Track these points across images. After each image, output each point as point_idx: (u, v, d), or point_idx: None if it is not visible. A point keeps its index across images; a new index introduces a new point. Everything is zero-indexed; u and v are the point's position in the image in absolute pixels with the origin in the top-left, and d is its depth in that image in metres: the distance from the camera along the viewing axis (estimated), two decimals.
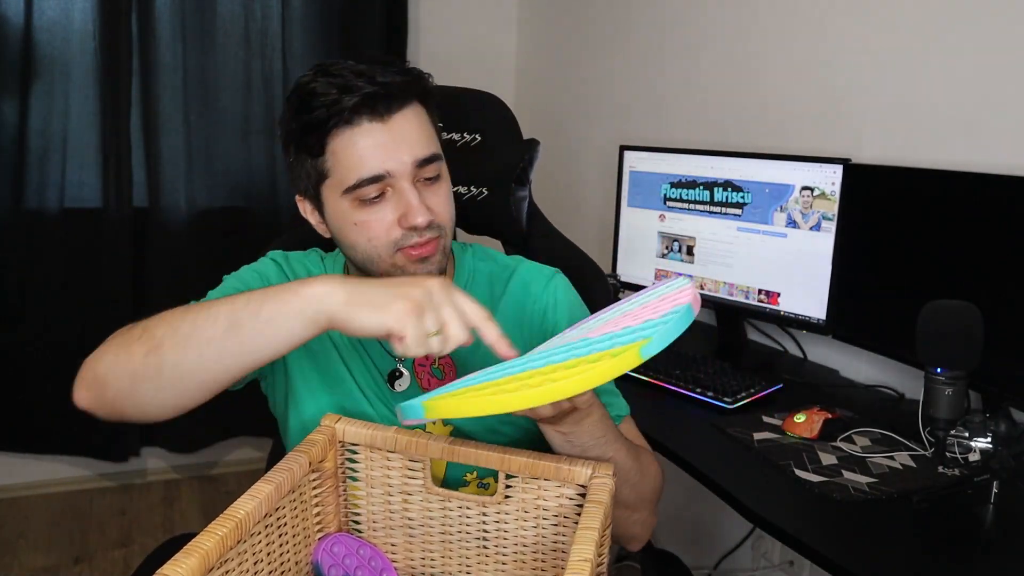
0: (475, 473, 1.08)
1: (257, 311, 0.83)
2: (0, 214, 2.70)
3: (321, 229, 1.10)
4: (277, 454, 1.44)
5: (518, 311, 1.15)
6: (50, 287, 2.77)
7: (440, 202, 1.04)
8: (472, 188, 1.45)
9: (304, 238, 1.32)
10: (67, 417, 2.85)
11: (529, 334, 1.13)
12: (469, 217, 1.47)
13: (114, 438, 2.90)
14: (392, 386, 1.10)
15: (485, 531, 0.94)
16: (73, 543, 2.66)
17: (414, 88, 1.02)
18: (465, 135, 1.46)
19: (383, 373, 1.11)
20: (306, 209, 1.09)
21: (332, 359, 1.12)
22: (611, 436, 0.94)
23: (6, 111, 2.65)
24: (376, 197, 1.00)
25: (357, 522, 0.99)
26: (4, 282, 2.74)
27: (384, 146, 0.98)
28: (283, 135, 1.05)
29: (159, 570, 0.66)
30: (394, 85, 0.98)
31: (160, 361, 0.88)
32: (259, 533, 0.80)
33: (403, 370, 1.11)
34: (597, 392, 0.98)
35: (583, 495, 0.87)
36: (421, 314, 0.80)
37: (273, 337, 0.84)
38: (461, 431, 1.09)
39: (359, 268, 1.08)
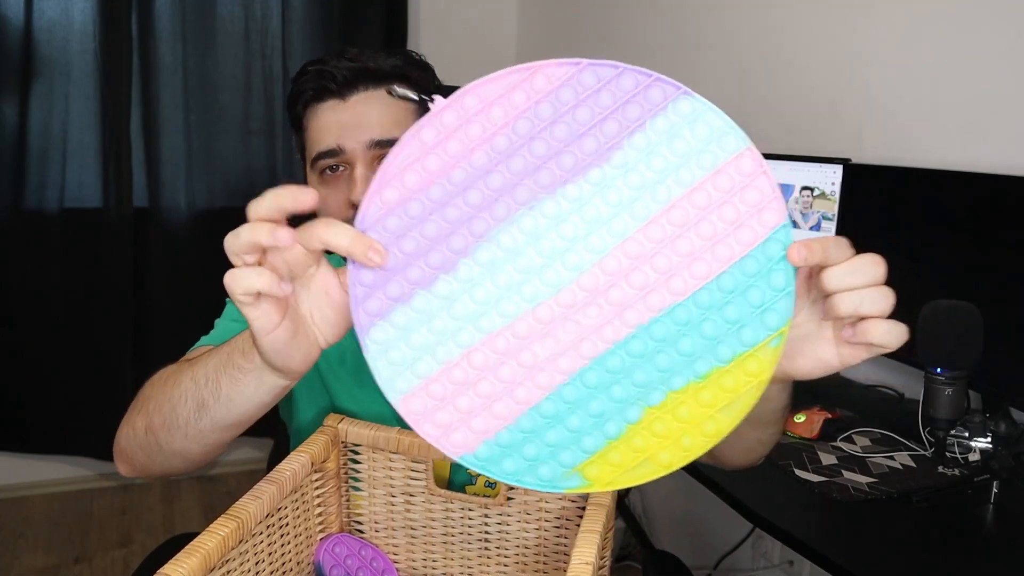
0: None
1: (216, 391, 0.77)
2: (0, 214, 2.70)
3: None
4: (277, 454, 1.44)
5: None
6: (50, 287, 2.77)
7: None
8: None
9: None
10: (67, 417, 2.86)
11: None
12: None
13: (114, 438, 2.89)
14: None
15: (487, 533, 0.94)
16: (73, 543, 2.67)
17: (390, 73, 1.03)
18: None
19: None
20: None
21: (344, 384, 1.12)
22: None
23: (6, 111, 2.65)
24: (335, 171, 1.03)
25: (359, 523, 0.99)
26: (4, 282, 2.74)
27: (341, 123, 1.01)
28: None
29: (160, 570, 0.66)
30: (367, 68, 1.02)
31: (156, 440, 0.87)
32: (261, 533, 0.81)
33: None
34: None
35: (585, 497, 0.87)
36: None
37: (242, 412, 0.78)
38: None
39: None
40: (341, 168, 1.03)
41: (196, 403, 0.80)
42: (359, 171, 1.01)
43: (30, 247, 2.74)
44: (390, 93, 0.99)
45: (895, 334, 0.64)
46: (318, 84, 1.02)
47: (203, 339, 1.13)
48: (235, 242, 0.66)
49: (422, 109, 0.95)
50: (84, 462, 2.97)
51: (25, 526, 2.75)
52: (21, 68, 2.64)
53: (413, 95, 0.85)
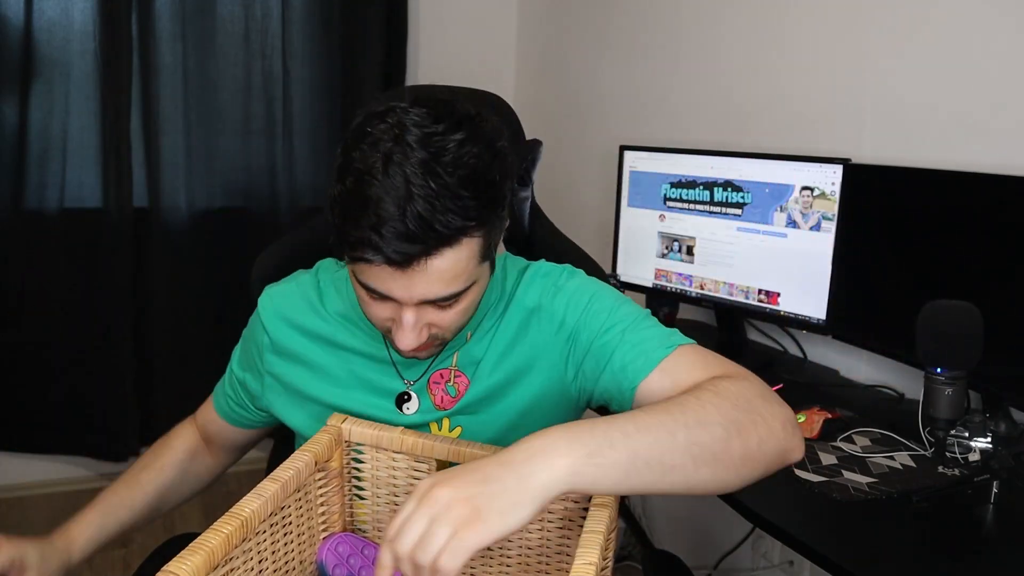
0: None
1: None
2: (0, 214, 2.70)
3: None
4: (278, 454, 1.44)
5: (527, 318, 1.08)
6: (50, 287, 2.77)
7: (447, 319, 0.95)
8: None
9: (291, 254, 1.32)
10: (67, 417, 2.86)
11: (554, 347, 1.06)
12: None
13: (114, 438, 2.90)
14: (400, 409, 1.07)
15: None
16: None
17: (464, 230, 0.87)
18: None
19: (391, 395, 1.08)
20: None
21: (329, 394, 1.11)
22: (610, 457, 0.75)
23: (6, 111, 2.65)
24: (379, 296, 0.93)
25: (362, 522, 0.99)
26: (4, 282, 2.74)
27: (396, 283, 0.88)
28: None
29: (165, 567, 0.66)
30: (433, 233, 0.84)
31: None
32: (264, 532, 0.81)
33: (412, 393, 1.08)
34: (613, 350, 0.97)
35: (588, 499, 0.88)
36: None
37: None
38: (471, 437, 1.08)
39: None
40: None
41: None
42: (407, 320, 0.91)
43: (30, 247, 2.74)
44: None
45: None
46: (368, 253, 0.86)
47: (216, 388, 1.29)
48: None
49: (494, 234, 0.98)
50: (84, 462, 2.97)
51: (25, 526, 2.74)
52: (21, 68, 2.64)
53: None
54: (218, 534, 0.71)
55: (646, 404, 0.88)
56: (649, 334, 0.98)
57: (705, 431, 0.80)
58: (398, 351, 0.98)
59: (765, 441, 0.86)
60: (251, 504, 0.76)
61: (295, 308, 1.12)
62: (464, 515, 0.69)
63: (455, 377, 1.07)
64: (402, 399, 1.07)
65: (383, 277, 0.87)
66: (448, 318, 0.94)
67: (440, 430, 1.07)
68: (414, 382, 1.07)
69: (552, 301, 1.06)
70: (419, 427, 1.06)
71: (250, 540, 0.78)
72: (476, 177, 0.85)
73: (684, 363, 0.95)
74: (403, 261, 0.84)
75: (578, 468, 0.73)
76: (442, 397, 1.07)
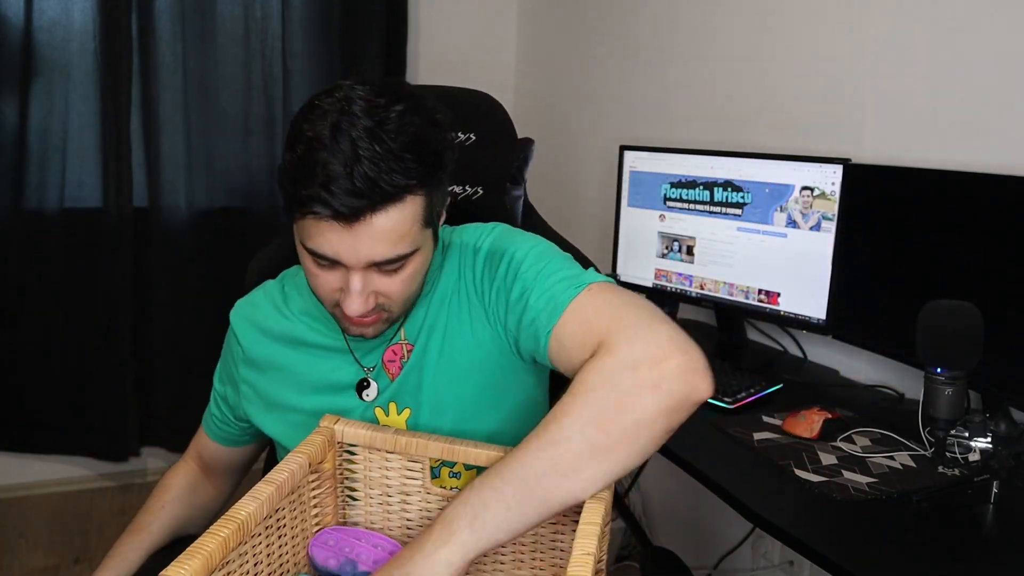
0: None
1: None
2: (0, 214, 2.70)
3: None
4: (272, 457, 1.44)
5: (457, 281, 1.11)
6: (50, 287, 2.77)
7: (393, 286, 0.98)
8: (467, 187, 1.45)
9: (290, 254, 1.32)
10: (67, 417, 2.86)
11: (476, 304, 1.08)
12: (464, 217, 1.47)
13: (114, 438, 2.90)
14: (361, 396, 1.09)
15: None
16: (73, 543, 2.67)
17: (407, 188, 0.92)
18: (459, 135, 1.46)
19: (351, 385, 1.10)
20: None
21: (295, 399, 1.13)
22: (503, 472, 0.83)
23: (6, 111, 2.65)
24: (327, 264, 0.96)
25: (355, 523, 0.99)
26: (4, 282, 2.74)
27: (343, 243, 0.93)
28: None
29: (163, 572, 0.66)
30: (380, 188, 0.90)
31: None
32: (259, 534, 0.81)
33: (370, 379, 1.10)
34: (531, 292, 0.99)
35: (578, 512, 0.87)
36: None
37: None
38: (423, 424, 1.08)
39: None
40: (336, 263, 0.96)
41: None
42: (355, 284, 0.95)
43: (30, 247, 2.74)
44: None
45: None
46: (317, 207, 0.90)
47: (204, 416, 1.31)
48: None
49: (436, 200, 0.97)
50: (84, 462, 2.97)
51: (25, 526, 2.75)
52: (21, 68, 2.64)
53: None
54: (215, 537, 0.71)
55: (564, 349, 0.93)
56: (557, 277, 0.99)
57: (560, 448, 0.83)
58: (346, 325, 1.01)
59: (641, 412, 0.84)
60: (247, 507, 0.76)
61: (263, 314, 1.18)
62: None
63: (406, 350, 1.09)
64: (362, 386, 1.10)
65: (331, 238, 0.92)
66: (394, 286, 0.98)
67: (387, 416, 1.08)
68: (372, 368, 1.10)
69: (473, 261, 1.09)
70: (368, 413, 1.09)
71: (246, 543, 0.78)
72: (418, 143, 0.92)
73: (592, 304, 0.95)
74: (350, 214, 0.89)
75: (465, 539, 0.81)
76: (395, 373, 1.10)
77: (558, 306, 0.95)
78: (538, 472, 0.82)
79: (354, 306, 0.95)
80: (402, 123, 0.91)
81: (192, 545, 0.70)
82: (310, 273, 0.99)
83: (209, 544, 0.70)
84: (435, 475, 1.06)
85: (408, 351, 1.10)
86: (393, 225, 0.93)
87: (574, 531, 0.86)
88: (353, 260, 0.93)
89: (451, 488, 1.02)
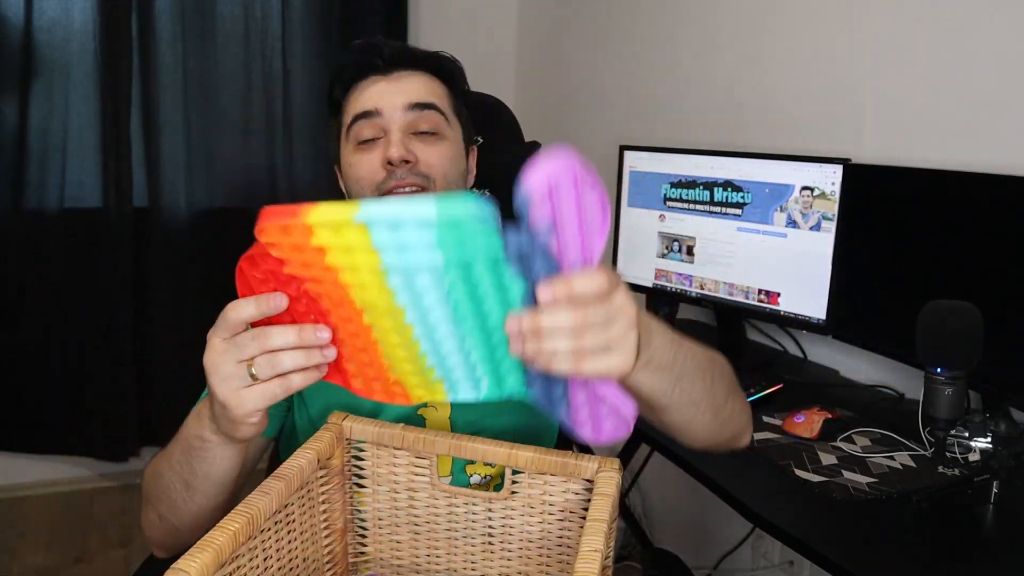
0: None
1: (192, 471, 0.88)
2: (0, 214, 2.70)
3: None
4: (276, 454, 1.44)
5: None
6: (50, 287, 2.77)
7: (431, 152, 1.07)
8: (472, 190, 1.46)
9: None
10: (67, 417, 2.86)
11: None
12: None
13: (114, 438, 2.90)
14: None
15: (491, 527, 0.94)
16: (73, 543, 2.67)
17: (430, 62, 1.11)
18: None
19: None
20: (338, 178, 1.16)
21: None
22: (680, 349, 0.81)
23: (6, 111, 2.65)
24: (370, 140, 1.06)
25: (362, 519, 1.00)
26: (4, 282, 2.74)
27: (380, 90, 1.07)
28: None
29: (173, 564, 0.66)
30: (408, 52, 1.09)
31: (171, 523, 0.96)
32: (269, 529, 0.81)
33: None
34: None
35: (589, 490, 0.88)
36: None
37: (220, 478, 0.90)
38: (462, 419, 1.09)
39: None
40: (377, 139, 1.06)
41: (183, 485, 0.90)
42: (395, 134, 1.05)
43: (30, 247, 2.74)
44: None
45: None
46: (364, 59, 1.08)
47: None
48: (249, 348, 0.76)
49: (459, 103, 1.14)
50: (84, 462, 2.97)
51: (25, 526, 2.75)
52: (21, 68, 2.64)
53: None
54: (225, 531, 0.71)
55: None
56: None
57: (720, 387, 0.89)
58: (391, 160, 1.04)
59: (736, 416, 0.95)
60: (257, 501, 0.76)
61: None
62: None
63: None
64: None
65: (372, 92, 1.07)
66: (432, 155, 1.06)
67: (437, 411, 1.09)
68: None
69: None
70: (414, 416, 1.09)
71: (256, 537, 0.78)
72: (436, 54, 1.13)
73: None
74: (389, 60, 1.07)
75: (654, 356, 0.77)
76: None
77: None
78: (705, 388, 0.86)
79: (394, 149, 1.03)
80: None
81: (202, 539, 0.70)
82: (354, 163, 1.07)
83: (219, 538, 0.70)
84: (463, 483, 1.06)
85: None
86: (425, 82, 1.09)
87: (581, 527, 0.86)
88: (390, 103, 1.05)
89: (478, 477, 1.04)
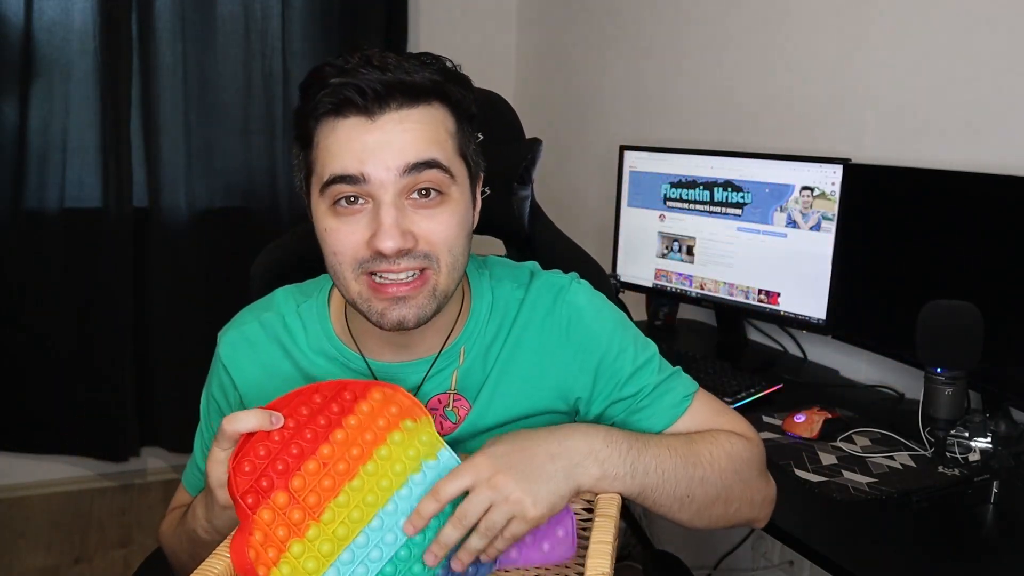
0: None
1: (198, 560, 0.80)
2: (0, 214, 2.70)
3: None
4: None
5: (539, 336, 1.01)
6: (50, 287, 2.77)
7: (433, 226, 0.86)
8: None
9: (291, 254, 1.31)
10: (67, 417, 2.86)
11: (561, 352, 1.01)
12: None
13: (114, 438, 2.90)
14: None
15: None
16: (73, 543, 2.67)
17: (431, 90, 0.86)
18: None
19: None
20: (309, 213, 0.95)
21: None
22: (637, 457, 0.89)
23: (6, 111, 2.65)
24: (352, 202, 0.85)
25: None
26: (4, 282, 2.74)
27: (366, 145, 0.83)
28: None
29: None
30: (403, 82, 0.83)
31: None
32: None
33: None
34: (643, 386, 0.99)
35: (589, 510, 0.87)
36: None
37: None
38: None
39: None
40: (361, 201, 0.85)
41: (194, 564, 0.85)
42: (387, 213, 0.83)
43: (30, 247, 2.74)
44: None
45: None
46: (339, 97, 0.83)
47: (184, 473, 1.14)
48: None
49: (467, 135, 0.91)
50: (84, 462, 2.97)
51: (25, 526, 2.75)
52: (21, 68, 2.64)
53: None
54: (222, 559, 0.73)
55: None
56: (668, 386, 1.01)
57: (702, 489, 0.92)
58: (380, 307, 0.87)
59: (741, 510, 0.98)
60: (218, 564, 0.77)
61: (264, 354, 1.01)
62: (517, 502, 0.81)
63: (454, 401, 0.99)
64: None
65: (355, 143, 0.83)
66: (433, 227, 0.86)
67: None
68: None
69: (568, 327, 1.01)
70: None
71: None
72: (432, 55, 0.89)
73: (702, 413, 1.01)
74: (375, 97, 0.82)
75: (606, 472, 0.86)
76: (441, 423, 0.97)
77: (672, 415, 1.00)
78: (677, 491, 0.91)
79: (388, 240, 0.83)
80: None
81: (199, 568, 0.71)
82: (330, 230, 0.86)
83: (217, 566, 0.72)
84: None
85: (460, 409, 0.99)
86: (423, 127, 0.85)
87: (583, 547, 0.86)
88: (380, 166, 0.83)
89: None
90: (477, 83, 1.37)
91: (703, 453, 0.93)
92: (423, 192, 0.86)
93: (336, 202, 0.86)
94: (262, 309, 1.04)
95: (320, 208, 0.88)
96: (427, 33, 3.11)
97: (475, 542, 0.81)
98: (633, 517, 2.42)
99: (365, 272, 0.87)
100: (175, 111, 2.81)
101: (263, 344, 1.01)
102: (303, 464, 0.81)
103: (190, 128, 2.84)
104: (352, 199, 0.85)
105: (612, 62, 2.70)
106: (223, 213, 2.92)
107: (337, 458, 0.83)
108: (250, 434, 0.81)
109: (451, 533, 0.80)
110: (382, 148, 0.83)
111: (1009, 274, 1.39)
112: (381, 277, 0.86)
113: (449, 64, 0.90)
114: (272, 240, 1.41)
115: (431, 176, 0.85)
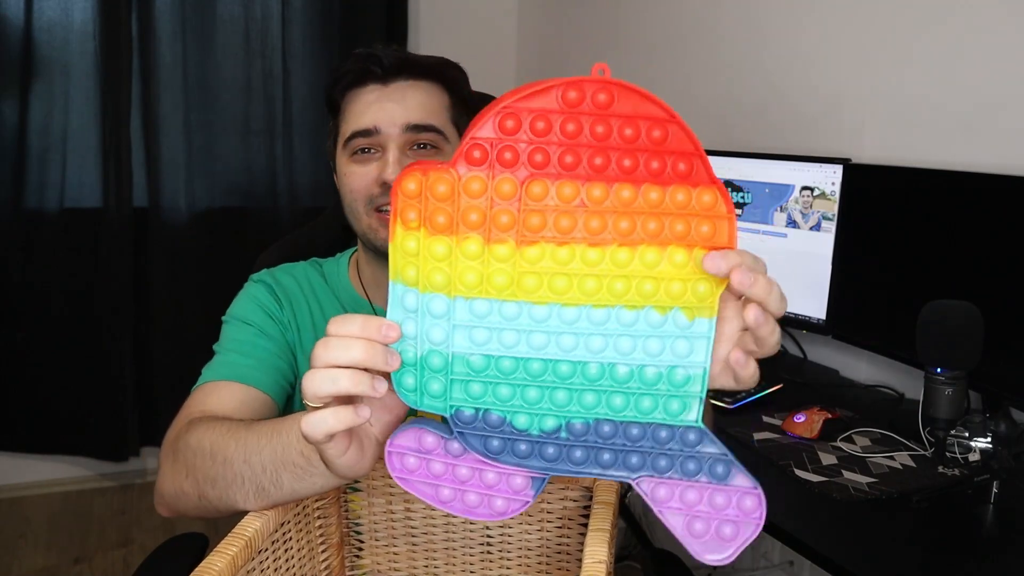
0: None
1: (278, 484, 0.78)
2: (0, 214, 2.70)
3: None
4: None
5: None
6: (50, 287, 2.78)
7: None
8: None
9: (291, 254, 1.31)
10: (67, 417, 2.86)
11: None
12: None
13: (114, 438, 2.90)
14: None
15: (489, 536, 0.94)
16: (73, 543, 2.67)
17: (431, 70, 1.10)
18: None
19: None
20: (334, 175, 1.17)
21: None
22: None
23: (6, 111, 2.65)
24: (367, 152, 1.08)
25: (359, 531, 0.99)
26: (4, 282, 2.74)
27: (379, 104, 1.07)
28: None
29: None
30: (411, 59, 1.09)
31: (213, 505, 0.86)
32: (267, 550, 0.80)
33: None
34: None
35: (588, 497, 0.88)
36: None
37: (306, 495, 0.80)
38: None
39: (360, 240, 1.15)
40: (373, 151, 1.08)
41: (255, 488, 0.80)
42: (392, 154, 1.06)
43: (30, 247, 2.74)
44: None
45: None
46: (362, 67, 1.08)
47: (206, 373, 1.11)
48: (328, 386, 0.63)
49: (460, 110, 1.13)
50: (84, 462, 2.97)
51: (25, 526, 2.75)
52: (21, 68, 2.64)
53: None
54: (224, 556, 0.71)
55: None
56: None
57: None
58: (381, 227, 1.06)
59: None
60: (254, 523, 0.76)
61: (306, 286, 1.17)
62: None
63: None
64: None
65: (371, 104, 1.07)
66: None
67: None
68: None
69: None
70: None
71: (254, 559, 0.77)
72: (438, 62, 1.12)
73: None
74: (389, 68, 1.07)
75: None
76: None
77: None
78: None
79: (390, 172, 1.04)
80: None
81: (201, 565, 0.71)
82: (348, 174, 1.09)
83: (218, 563, 0.71)
84: None
85: None
86: (425, 97, 1.08)
87: (579, 534, 0.86)
88: (389, 121, 1.06)
89: None
90: (477, 84, 1.38)
91: None
92: (421, 146, 1.08)
93: (354, 153, 1.09)
94: (300, 263, 1.22)
95: (342, 160, 1.11)
96: (427, 33, 3.10)
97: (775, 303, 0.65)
98: (633, 517, 2.43)
99: (374, 208, 1.08)
100: (175, 111, 2.81)
101: (302, 279, 1.18)
102: (561, 179, 0.66)
103: (190, 128, 2.84)
104: (366, 150, 1.08)
105: (611, 62, 2.68)
106: (223, 213, 2.92)
107: (598, 212, 0.66)
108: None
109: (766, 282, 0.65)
110: (391, 108, 1.07)
111: (1009, 274, 1.39)
112: (387, 209, 1.05)
113: (449, 60, 1.14)
114: (272, 240, 1.41)
115: (428, 136, 1.08)
